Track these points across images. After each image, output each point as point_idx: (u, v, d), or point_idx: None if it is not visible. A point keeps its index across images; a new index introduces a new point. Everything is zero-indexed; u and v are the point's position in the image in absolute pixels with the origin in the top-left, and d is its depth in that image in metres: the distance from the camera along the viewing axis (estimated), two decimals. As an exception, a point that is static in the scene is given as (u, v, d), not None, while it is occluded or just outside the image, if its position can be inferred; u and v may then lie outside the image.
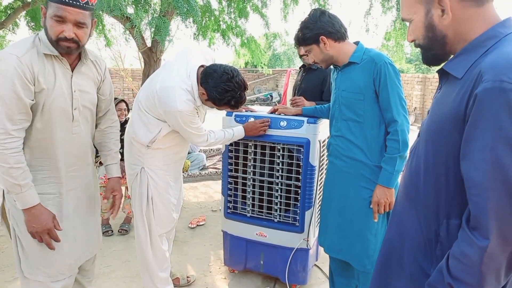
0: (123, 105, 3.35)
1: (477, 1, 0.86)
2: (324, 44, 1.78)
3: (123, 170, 3.10)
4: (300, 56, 3.00)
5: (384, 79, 1.70)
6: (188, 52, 1.94)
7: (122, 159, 3.21)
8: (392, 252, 1.07)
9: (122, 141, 3.25)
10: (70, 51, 1.45)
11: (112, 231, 3.23)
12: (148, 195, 1.98)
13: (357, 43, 1.84)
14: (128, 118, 3.36)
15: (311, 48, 1.83)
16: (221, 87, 1.80)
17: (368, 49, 1.80)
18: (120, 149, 3.27)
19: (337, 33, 1.77)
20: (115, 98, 3.34)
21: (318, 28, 1.76)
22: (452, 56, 0.94)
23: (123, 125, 3.30)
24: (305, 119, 2.08)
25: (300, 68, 3.19)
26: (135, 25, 3.70)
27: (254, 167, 2.23)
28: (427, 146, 0.94)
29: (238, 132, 2.09)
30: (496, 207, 0.77)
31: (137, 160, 1.98)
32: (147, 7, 4.17)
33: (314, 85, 2.92)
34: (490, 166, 0.77)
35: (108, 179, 1.84)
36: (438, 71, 0.97)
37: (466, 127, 0.82)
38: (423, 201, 0.95)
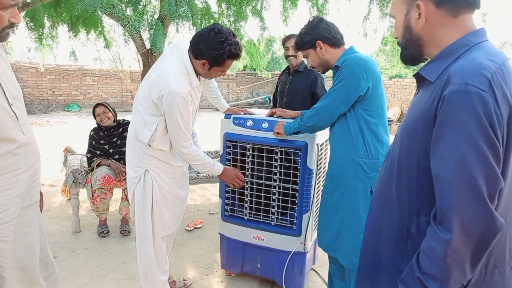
0: (100, 109, 3.19)
1: (451, 12, 0.92)
2: (321, 48, 1.88)
3: (119, 172, 3.09)
4: (286, 57, 3.03)
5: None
6: (179, 42, 1.98)
7: (119, 160, 3.21)
8: (370, 249, 1.11)
9: (117, 146, 3.25)
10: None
11: (109, 231, 3.22)
12: (153, 198, 1.97)
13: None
14: (120, 120, 3.32)
15: (308, 53, 1.93)
16: (215, 43, 1.79)
17: (355, 53, 1.87)
18: (115, 154, 3.26)
19: (333, 39, 1.88)
20: (96, 103, 3.26)
21: (316, 34, 1.87)
22: (427, 59, 1.00)
23: (109, 129, 3.24)
24: (303, 122, 2.09)
25: (284, 71, 3.18)
26: (126, 24, 3.71)
27: (252, 170, 2.23)
28: (401, 147, 0.99)
29: (216, 166, 2.07)
30: (459, 202, 0.82)
31: (140, 162, 1.96)
32: (140, 9, 4.18)
33: (303, 87, 2.93)
34: (454, 163, 0.82)
35: None
36: (414, 75, 1.02)
37: (435, 127, 0.87)
38: (397, 199, 1.00)
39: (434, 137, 0.87)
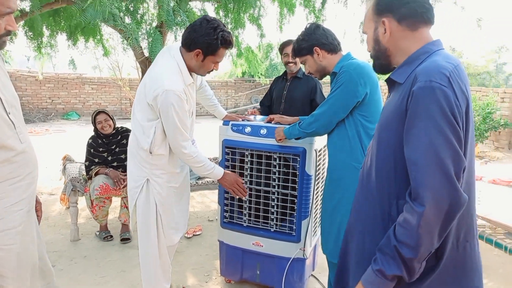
0: (102, 117, 3.18)
1: (410, 27, 1.11)
2: (318, 55, 1.90)
3: (118, 181, 3.09)
4: (285, 64, 2.99)
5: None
6: (169, 45, 2.00)
7: (117, 168, 3.21)
8: (354, 238, 1.23)
9: (115, 153, 3.25)
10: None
11: (112, 236, 3.22)
12: (156, 207, 1.96)
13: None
14: (118, 128, 3.32)
15: (306, 59, 1.96)
16: (207, 30, 1.79)
17: (352, 59, 1.89)
18: (114, 162, 3.26)
19: (330, 45, 1.90)
20: (97, 110, 3.24)
21: (313, 40, 1.90)
22: (395, 67, 1.16)
23: (108, 137, 3.23)
24: (301, 128, 2.09)
25: (280, 77, 3.13)
26: (128, 36, 3.74)
27: (251, 176, 2.23)
28: (379, 142, 1.13)
29: (216, 170, 2.05)
30: (430, 180, 0.94)
31: (141, 171, 1.95)
32: (139, 18, 4.22)
33: (302, 94, 2.90)
34: (425, 148, 0.96)
35: None
36: (386, 81, 1.18)
37: (406, 119, 1.01)
38: (377, 188, 1.13)
39: (406, 128, 1.01)
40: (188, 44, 1.84)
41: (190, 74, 1.93)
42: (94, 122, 3.22)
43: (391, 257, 1.01)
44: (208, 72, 1.97)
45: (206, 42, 1.80)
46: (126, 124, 3.37)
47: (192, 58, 1.86)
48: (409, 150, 1.00)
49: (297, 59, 2.80)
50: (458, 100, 0.97)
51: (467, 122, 1.01)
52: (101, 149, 3.22)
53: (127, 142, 3.23)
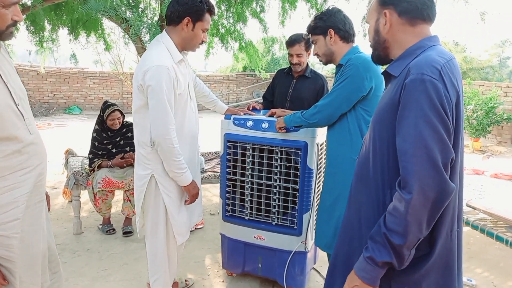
0: (117, 115, 3.22)
1: (410, 22, 1.15)
2: (331, 38, 1.89)
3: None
4: (290, 63, 2.85)
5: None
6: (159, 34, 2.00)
7: (124, 165, 3.23)
8: (351, 229, 1.26)
9: (120, 146, 3.27)
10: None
11: (114, 229, 3.25)
12: (165, 203, 1.95)
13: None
14: (126, 122, 3.34)
15: (317, 39, 1.94)
16: None
17: (359, 53, 1.88)
18: (119, 154, 3.29)
19: (345, 32, 1.90)
20: (110, 106, 3.24)
21: (330, 22, 1.89)
22: (393, 59, 1.20)
23: (119, 130, 3.28)
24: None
25: (283, 72, 2.97)
26: (131, 26, 3.73)
27: (252, 170, 2.23)
28: (374, 133, 1.16)
29: (188, 173, 1.92)
30: (418, 169, 0.98)
31: (145, 168, 1.93)
32: (140, 12, 4.20)
33: (309, 94, 2.78)
34: (414, 138, 0.99)
35: None
36: (382, 73, 1.22)
37: (398, 110, 1.05)
38: (373, 178, 1.16)
39: (398, 119, 1.05)
40: (174, 17, 1.86)
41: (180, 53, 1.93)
42: (105, 117, 3.20)
43: (381, 245, 1.04)
44: (199, 45, 1.98)
45: (192, 7, 1.84)
46: (128, 118, 3.38)
47: (183, 30, 1.87)
48: (400, 140, 1.03)
49: (303, 59, 2.74)
50: (448, 93, 1.01)
51: (457, 115, 1.04)
52: (105, 142, 3.26)
53: (131, 135, 3.27)
